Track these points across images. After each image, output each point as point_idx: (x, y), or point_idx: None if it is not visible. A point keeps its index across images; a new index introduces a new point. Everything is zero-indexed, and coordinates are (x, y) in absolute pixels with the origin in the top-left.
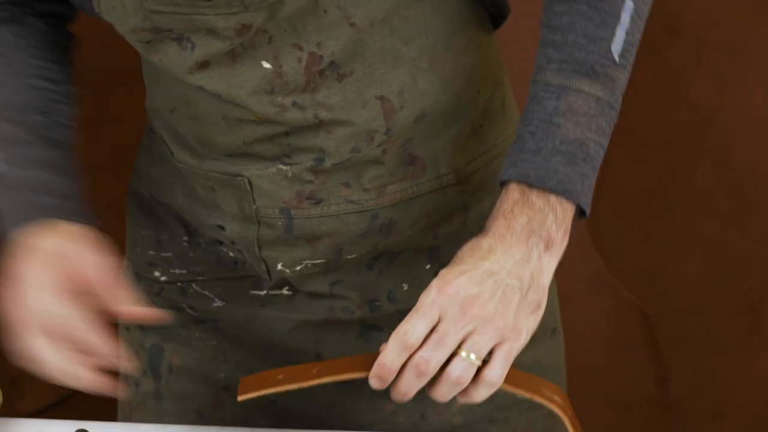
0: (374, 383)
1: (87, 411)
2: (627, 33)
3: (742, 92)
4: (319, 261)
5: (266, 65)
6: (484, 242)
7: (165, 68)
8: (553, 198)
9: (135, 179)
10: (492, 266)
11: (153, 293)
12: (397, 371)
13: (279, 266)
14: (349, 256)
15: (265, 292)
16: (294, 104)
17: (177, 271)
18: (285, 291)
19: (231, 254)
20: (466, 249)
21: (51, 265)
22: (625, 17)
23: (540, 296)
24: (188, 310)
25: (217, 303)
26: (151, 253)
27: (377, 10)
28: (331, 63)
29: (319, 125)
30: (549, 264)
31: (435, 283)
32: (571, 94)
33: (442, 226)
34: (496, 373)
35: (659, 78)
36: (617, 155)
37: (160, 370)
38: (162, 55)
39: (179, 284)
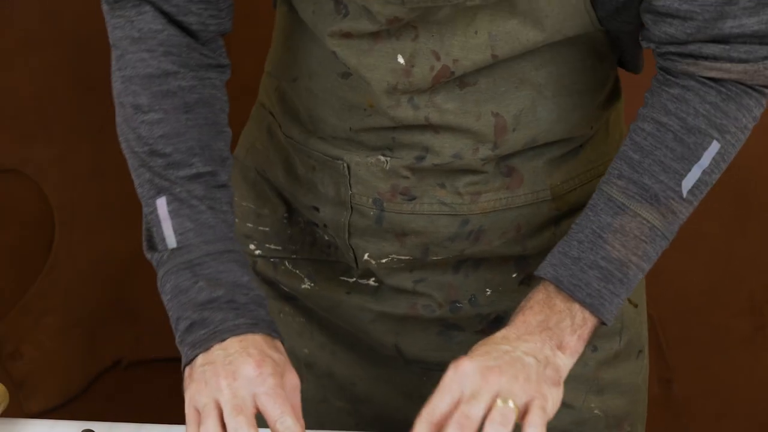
0: None
1: (93, 412)
2: (704, 173)
3: None
4: (405, 257)
5: (401, 60)
6: (498, 334)
7: (311, 22)
8: (576, 306)
9: (241, 150)
10: (507, 347)
11: None
12: None
13: (366, 256)
14: (434, 257)
15: (354, 279)
16: (410, 101)
17: (272, 246)
18: (371, 281)
19: (326, 237)
20: (483, 340)
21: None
22: (707, 157)
23: (558, 376)
24: (279, 285)
25: (306, 284)
26: (249, 225)
27: (522, 47)
28: (463, 75)
29: (427, 126)
30: (563, 360)
31: (453, 362)
32: (627, 215)
33: (531, 239)
34: (538, 417)
35: None
36: None
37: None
38: (316, 7)
39: (272, 260)
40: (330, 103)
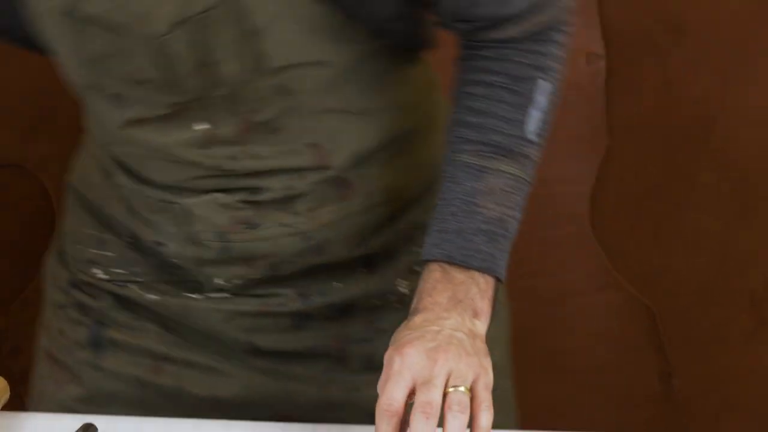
0: None
1: None
2: (543, 113)
3: (745, 91)
4: (256, 276)
5: (199, 127)
6: (416, 319)
7: (97, 117)
8: (475, 273)
9: (77, 179)
10: (434, 328)
11: (92, 286)
12: None
13: (216, 280)
14: (284, 273)
15: (203, 296)
16: (227, 156)
17: (118, 270)
18: (222, 295)
19: (174, 261)
20: (402, 328)
21: None
22: (541, 98)
23: (485, 346)
24: (127, 299)
25: (155, 296)
26: (93, 251)
27: (316, 81)
28: (266, 121)
29: (250, 173)
30: (481, 327)
31: (392, 351)
32: (490, 175)
33: (373, 239)
34: (485, 397)
35: (663, 76)
36: (621, 153)
37: (100, 342)
38: (95, 107)
39: (119, 283)
40: (153, 163)
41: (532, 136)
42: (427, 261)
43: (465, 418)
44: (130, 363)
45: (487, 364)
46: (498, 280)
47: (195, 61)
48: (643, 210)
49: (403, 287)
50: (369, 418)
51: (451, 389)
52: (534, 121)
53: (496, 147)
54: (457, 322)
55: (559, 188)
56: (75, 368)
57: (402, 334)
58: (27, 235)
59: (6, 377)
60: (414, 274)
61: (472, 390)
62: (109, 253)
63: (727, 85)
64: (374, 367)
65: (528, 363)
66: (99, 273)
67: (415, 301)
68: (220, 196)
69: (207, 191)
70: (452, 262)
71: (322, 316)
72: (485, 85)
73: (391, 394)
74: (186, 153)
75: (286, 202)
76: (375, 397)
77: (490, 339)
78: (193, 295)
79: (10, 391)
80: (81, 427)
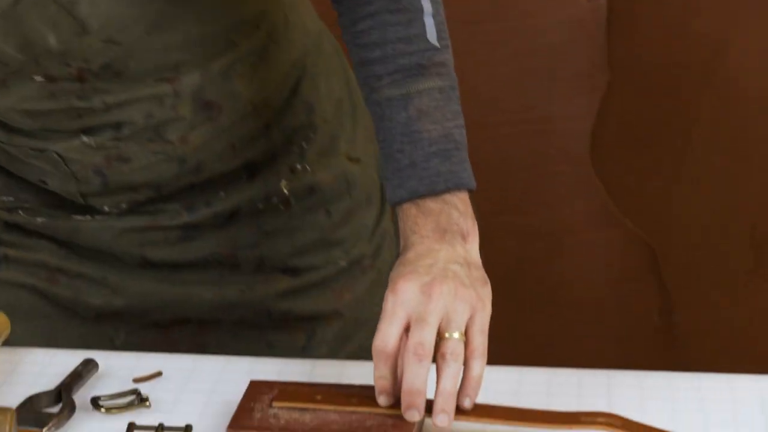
0: (382, 400)
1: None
2: (434, 16)
3: (747, 26)
4: (142, 199)
5: (38, 78)
6: (408, 256)
7: None
8: (446, 196)
9: None
10: (427, 261)
11: None
12: (393, 380)
13: (104, 207)
14: (167, 192)
15: (92, 217)
16: (78, 97)
17: (4, 198)
18: (110, 217)
19: (57, 192)
20: (396, 265)
21: None
22: (425, 3)
23: (481, 273)
24: (17, 224)
25: (43, 218)
26: None
27: (140, 28)
28: (104, 67)
29: (106, 109)
30: (473, 251)
31: (389, 289)
32: (415, 99)
33: (248, 150)
34: (480, 343)
35: (664, 11)
36: (622, 90)
37: None
38: None
39: (6, 210)
40: (10, 114)
41: (435, 43)
42: (398, 204)
43: (458, 368)
44: (27, 274)
45: (485, 294)
46: (470, 190)
47: (18, 42)
48: (644, 147)
49: (285, 188)
50: (265, 315)
51: (446, 335)
52: (430, 28)
53: (407, 70)
54: (450, 253)
55: (560, 125)
56: None
57: (396, 271)
58: None
59: None
60: (295, 173)
61: (466, 334)
62: None
63: (728, 20)
64: (265, 269)
65: (527, 298)
66: None
67: (402, 242)
68: (86, 138)
69: (73, 133)
70: (419, 195)
71: (210, 225)
72: (368, 17)
73: (384, 335)
74: (36, 105)
75: (153, 131)
76: (269, 295)
77: (370, 226)
78: (82, 217)
79: (11, 327)
80: (81, 362)
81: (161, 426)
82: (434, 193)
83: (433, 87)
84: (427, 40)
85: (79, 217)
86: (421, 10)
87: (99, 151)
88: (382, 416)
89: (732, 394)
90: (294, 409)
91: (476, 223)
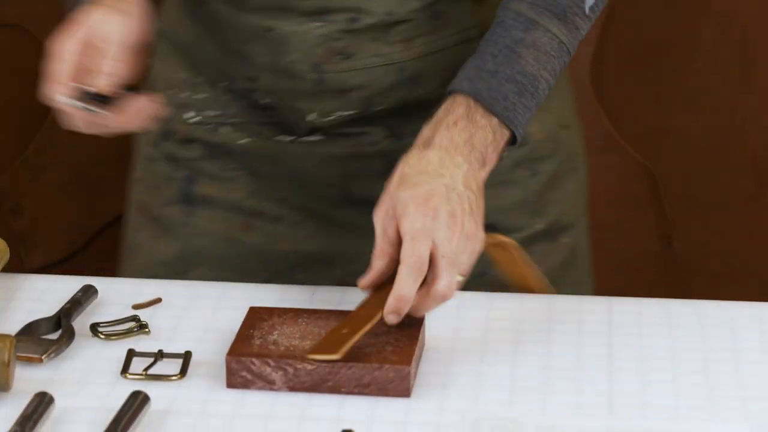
0: (392, 318)
1: (93, 267)
2: None
3: None
4: (350, 112)
5: None
6: (432, 155)
7: None
8: (495, 121)
9: (167, 22)
10: (449, 182)
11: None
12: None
13: (310, 116)
14: (377, 108)
15: (294, 137)
16: None
17: (211, 112)
18: (316, 137)
19: (267, 100)
20: (414, 162)
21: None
22: None
23: (483, 203)
24: (221, 145)
25: (247, 139)
26: (185, 94)
27: None
28: None
29: None
30: (483, 178)
31: (413, 206)
32: (539, 31)
33: None
34: (451, 263)
35: None
36: (623, 14)
37: (191, 198)
38: None
39: (211, 125)
40: None
41: (586, 9)
42: (454, 92)
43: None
44: (220, 220)
45: (480, 226)
46: (513, 138)
47: None
48: (645, 71)
49: None
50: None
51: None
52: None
53: (550, 7)
54: (468, 175)
55: None
56: (166, 224)
57: (417, 174)
58: (27, 96)
59: (6, 238)
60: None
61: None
62: (201, 95)
63: None
64: None
65: None
66: (191, 116)
67: (431, 126)
68: (316, 25)
69: (306, 14)
70: (478, 99)
71: None
72: None
73: (419, 251)
74: None
75: (382, 30)
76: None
77: (572, 194)
78: (285, 138)
79: (11, 252)
80: (81, 288)
81: (160, 353)
82: (490, 109)
83: (558, 37)
84: (581, 4)
85: (283, 138)
86: None
87: (325, 41)
88: (382, 342)
89: (731, 321)
90: (293, 336)
91: (497, 159)
